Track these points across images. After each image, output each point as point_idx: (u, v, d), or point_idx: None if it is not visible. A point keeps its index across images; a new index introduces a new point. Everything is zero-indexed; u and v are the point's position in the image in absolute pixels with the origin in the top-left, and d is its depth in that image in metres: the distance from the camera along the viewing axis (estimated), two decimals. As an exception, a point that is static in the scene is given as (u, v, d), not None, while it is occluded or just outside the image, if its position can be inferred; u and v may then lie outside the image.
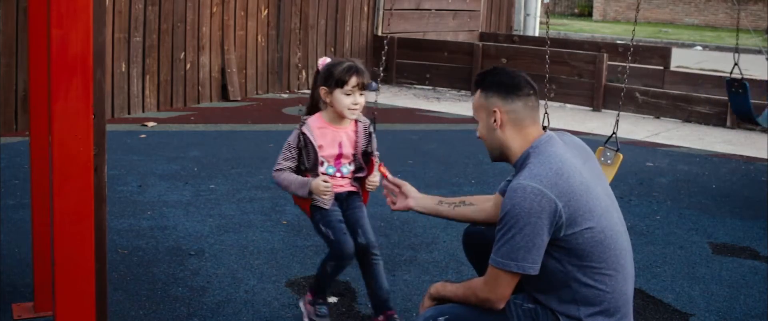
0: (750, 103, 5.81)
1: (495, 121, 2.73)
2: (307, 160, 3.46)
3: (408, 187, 3.28)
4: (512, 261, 2.55)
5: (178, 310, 3.77)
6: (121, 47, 8.23)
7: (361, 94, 3.44)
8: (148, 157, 6.60)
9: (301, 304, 3.67)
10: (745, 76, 6.08)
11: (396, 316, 3.52)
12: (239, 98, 9.58)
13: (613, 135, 4.43)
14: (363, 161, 3.58)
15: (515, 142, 2.74)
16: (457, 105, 10.13)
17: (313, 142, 3.45)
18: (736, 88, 5.81)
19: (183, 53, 8.92)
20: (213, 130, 7.86)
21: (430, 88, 11.33)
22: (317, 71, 3.54)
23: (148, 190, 5.65)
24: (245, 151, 6.95)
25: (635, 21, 4.85)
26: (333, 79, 3.40)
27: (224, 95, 9.47)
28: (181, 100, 8.99)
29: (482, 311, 2.68)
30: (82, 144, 2.66)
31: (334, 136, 3.49)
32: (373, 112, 3.61)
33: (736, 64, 5.74)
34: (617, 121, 4.62)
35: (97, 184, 2.81)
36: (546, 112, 4.38)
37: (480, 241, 3.09)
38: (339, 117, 3.48)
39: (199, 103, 9.18)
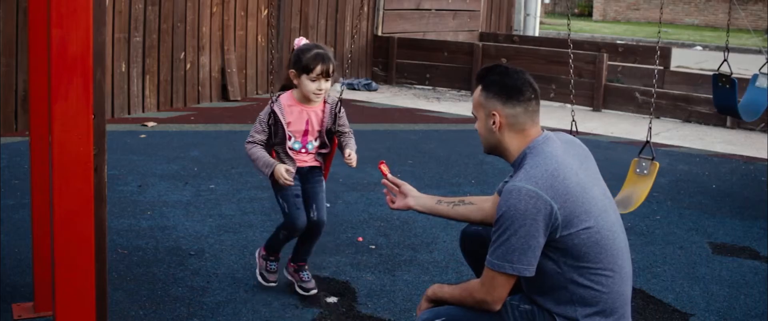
0: (736, 99, 5.81)
1: (494, 123, 2.72)
2: (275, 135, 3.76)
3: (407, 187, 3.28)
4: (508, 263, 2.54)
5: (178, 310, 3.77)
6: (121, 47, 8.23)
7: (326, 80, 3.70)
8: (148, 157, 6.60)
9: (256, 255, 4.05)
10: (742, 75, 6.08)
11: (306, 267, 3.98)
12: (239, 98, 9.58)
13: (647, 143, 4.34)
14: (327, 138, 3.85)
15: (513, 144, 2.73)
16: (457, 105, 10.13)
17: (282, 120, 3.73)
18: (724, 82, 5.81)
19: (183, 53, 8.92)
20: (213, 130, 7.86)
21: (430, 88, 11.33)
22: (292, 50, 3.79)
23: (148, 190, 5.65)
24: (245, 151, 6.95)
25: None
26: (300, 64, 3.67)
27: (224, 95, 9.47)
28: (181, 100, 8.99)
29: (479, 313, 2.67)
30: (82, 144, 2.66)
31: (301, 114, 3.77)
32: (340, 93, 3.94)
33: (725, 59, 5.75)
34: (650, 128, 4.50)
35: (97, 184, 2.81)
36: (573, 120, 4.36)
37: (477, 242, 3.09)
38: (307, 97, 3.74)
39: (199, 103, 9.18)
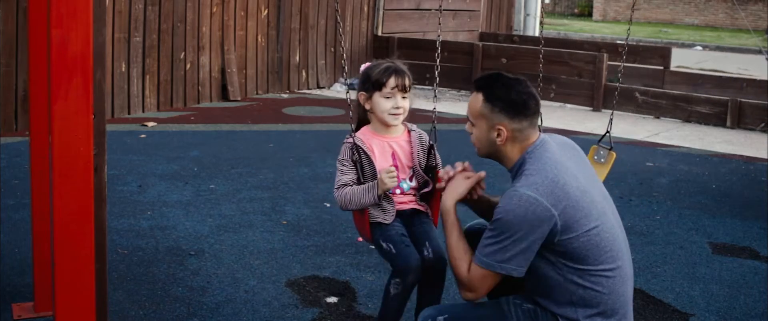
0: None
1: (498, 136, 2.71)
2: (362, 175, 3.16)
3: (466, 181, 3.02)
4: (498, 262, 2.58)
5: (178, 310, 3.77)
6: (121, 47, 8.23)
7: (404, 98, 3.21)
8: (148, 157, 6.60)
9: None
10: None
11: None
12: (239, 98, 9.58)
13: (607, 133, 4.44)
14: (426, 175, 3.25)
15: (512, 153, 2.74)
16: (457, 105, 10.13)
17: (367, 152, 3.17)
18: None
19: (183, 53, 8.92)
20: (213, 130, 7.86)
21: (430, 88, 11.33)
22: (357, 77, 3.34)
23: (148, 190, 5.65)
24: (245, 151, 6.95)
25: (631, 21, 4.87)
26: (370, 82, 3.19)
27: (224, 95, 9.47)
28: (181, 100, 8.99)
29: (480, 311, 2.68)
30: (82, 144, 2.66)
31: (384, 147, 3.22)
32: (432, 121, 3.37)
33: None
34: (611, 120, 4.62)
35: (97, 184, 2.81)
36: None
37: (479, 238, 3.09)
38: (385, 125, 3.22)
39: (199, 103, 9.18)
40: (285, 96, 10.08)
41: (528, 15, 14.83)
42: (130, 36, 8.29)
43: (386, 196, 3.15)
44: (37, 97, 3.46)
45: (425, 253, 3.10)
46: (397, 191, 3.21)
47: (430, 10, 12.37)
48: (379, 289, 4.11)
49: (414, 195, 3.25)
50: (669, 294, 4.22)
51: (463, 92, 11.04)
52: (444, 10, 12.69)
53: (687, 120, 9.49)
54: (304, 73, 10.61)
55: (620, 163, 6.47)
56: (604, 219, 2.64)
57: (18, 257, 4.28)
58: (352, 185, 3.15)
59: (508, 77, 2.76)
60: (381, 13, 11.66)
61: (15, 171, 5.89)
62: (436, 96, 3.50)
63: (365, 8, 11.46)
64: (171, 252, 4.49)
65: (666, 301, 4.13)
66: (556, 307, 2.65)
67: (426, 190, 3.26)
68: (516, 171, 2.70)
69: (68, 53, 2.60)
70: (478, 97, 2.73)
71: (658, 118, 9.66)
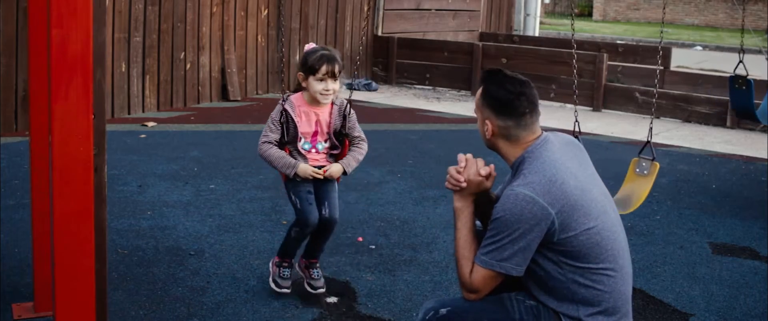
0: (752, 100, 5.83)
1: (486, 129, 2.74)
2: (287, 134, 3.82)
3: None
4: (497, 262, 2.59)
5: (178, 310, 3.77)
6: (121, 47, 8.23)
7: (334, 81, 3.77)
8: (148, 157, 6.60)
9: (270, 265, 4.04)
10: (749, 76, 6.09)
11: (318, 265, 3.98)
12: (239, 98, 9.58)
13: (648, 143, 4.31)
14: (337, 140, 3.90)
15: (508, 151, 2.75)
16: (457, 105, 10.13)
17: (294, 119, 3.80)
18: (740, 84, 5.83)
19: (183, 53, 8.92)
20: (213, 130, 7.86)
21: (430, 88, 11.33)
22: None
23: (148, 190, 5.65)
24: (245, 151, 6.95)
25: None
26: (306, 66, 3.76)
27: (224, 95, 9.47)
28: (181, 100, 8.99)
29: (483, 305, 2.69)
30: (82, 144, 2.66)
31: (310, 116, 3.83)
32: (350, 95, 3.98)
33: (740, 61, 5.75)
34: (651, 129, 4.48)
35: (97, 184, 2.81)
36: (576, 120, 4.28)
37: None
38: (315, 99, 3.81)
39: (199, 103, 9.18)
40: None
41: (528, 15, 14.84)
42: (130, 36, 8.29)
43: (301, 154, 3.83)
44: (37, 97, 3.46)
45: (323, 211, 3.82)
46: (313, 151, 3.87)
47: (430, 10, 12.38)
48: (380, 289, 4.11)
49: (326, 155, 3.91)
50: (669, 294, 4.22)
51: (463, 92, 11.04)
52: (444, 10, 12.69)
53: (687, 120, 9.49)
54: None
55: (620, 164, 6.47)
56: (605, 218, 2.65)
57: (18, 257, 4.28)
58: (275, 145, 3.81)
59: (505, 75, 2.76)
60: (381, 13, 11.66)
61: (15, 171, 5.89)
62: (352, 75, 4.01)
63: (365, 8, 11.46)
64: (171, 252, 4.49)
65: (666, 301, 4.13)
66: (558, 305, 2.66)
67: (336, 151, 3.94)
68: (515, 170, 2.71)
69: (68, 53, 2.60)
70: (480, 90, 2.80)
71: (658, 118, 9.66)
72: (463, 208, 2.75)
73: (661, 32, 5.08)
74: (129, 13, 8.24)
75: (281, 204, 5.44)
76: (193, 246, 4.60)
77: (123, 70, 8.28)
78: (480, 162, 2.77)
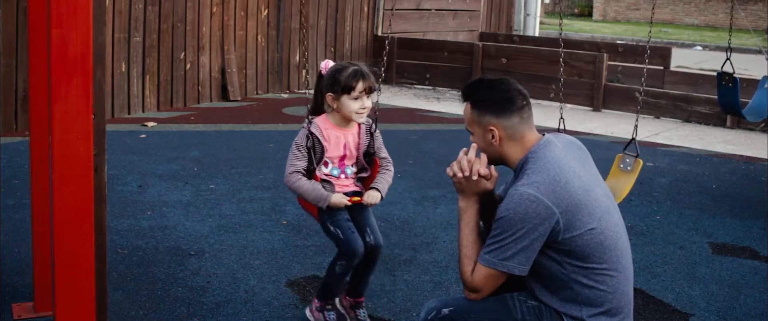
0: (738, 97, 5.87)
1: (493, 137, 2.72)
2: (314, 159, 3.48)
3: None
4: (500, 261, 2.59)
5: (178, 310, 3.77)
6: (121, 47, 8.23)
7: (369, 97, 3.47)
8: (148, 157, 6.60)
9: (308, 313, 3.66)
10: (743, 75, 6.11)
11: (364, 304, 3.68)
12: (239, 98, 9.58)
13: (632, 140, 4.38)
14: (365, 162, 3.60)
15: (513, 152, 2.74)
16: (457, 105, 10.13)
17: (323, 143, 3.47)
18: (727, 81, 5.87)
19: (183, 53, 8.92)
20: (213, 130, 7.86)
21: (430, 88, 11.33)
22: (320, 74, 3.56)
23: (148, 190, 5.65)
24: (245, 151, 6.95)
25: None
26: (339, 85, 3.42)
27: (224, 95, 9.47)
28: (181, 100, 8.99)
29: (485, 304, 2.69)
30: (82, 144, 2.66)
31: (339, 138, 3.52)
32: (374, 113, 3.61)
33: (728, 58, 5.77)
34: (636, 126, 4.55)
35: (97, 184, 2.81)
36: (561, 117, 4.35)
37: None
38: (345, 120, 3.51)
39: (199, 103, 9.18)
40: (285, 96, 10.08)
41: (528, 15, 14.83)
42: (130, 36, 8.29)
43: (331, 182, 3.52)
44: (37, 97, 3.46)
45: (368, 239, 3.49)
46: (342, 176, 3.56)
47: (430, 10, 12.37)
48: (379, 289, 4.11)
49: (354, 179, 3.60)
50: (669, 294, 4.22)
51: (463, 92, 11.03)
52: (444, 10, 12.69)
53: (687, 120, 9.49)
54: (304, 73, 10.61)
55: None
56: (608, 218, 2.66)
57: (18, 257, 4.28)
58: (304, 174, 3.46)
59: (489, 79, 2.80)
60: (381, 13, 11.65)
61: (15, 171, 5.90)
62: (379, 90, 3.68)
63: (365, 8, 11.46)
64: (171, 252, 4.49)
65: (666, 301, 4.13)
66: (561, 305, 2.67)
67: (364, 174, 3.63)
68: (519, 170, 2.71)
69: (68, 53, 2.60)
70: (467, 106, 2.78)
71: (658, 118, 9.66)
72: (467, 208, 2.75)
73: (650, 32, 5.19)
74: (129, 13, 8.24)
75: (281, 204, 5.44)
76: (193, 246, 4.60)
77: (123, 70, 8.28)
78: (480, 162, 2.76)
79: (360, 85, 3.41)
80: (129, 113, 8.38)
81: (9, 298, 3.76)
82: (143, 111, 8.54)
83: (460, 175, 2.75)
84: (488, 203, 2.79)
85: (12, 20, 7.13)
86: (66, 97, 2.61)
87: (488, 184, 2.76)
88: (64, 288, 2.74)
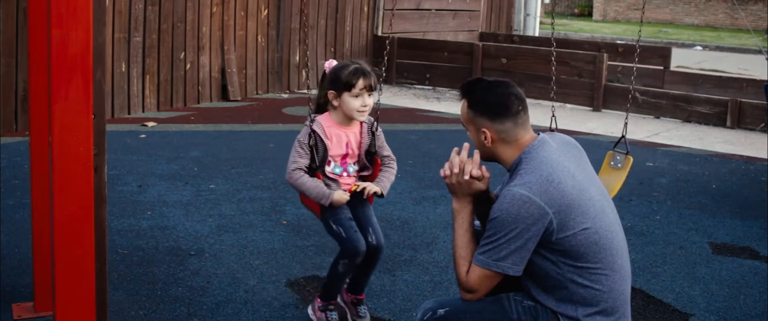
0: None
1: (485, 138, 2.74)
2: (316, 158, 3.49)
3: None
4: (494, 261, 2.59)
5: (178, 310, 3.77)
6: (121, 47, 8.23)
7: (370, 95, 3.50)
8: (148, 157, 6.60)
9: (310, 312, 3.67)
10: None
11: (365, 301, 3.71)
12: (239, 98, 9.58)
13: (622, 138, 4.40)
14: (367, 160, 3.63)
15: (506, 153, 2.74)
16: (457, 105, 10.05)
17: (325, 141, 3.50)
18: None
19: (183, 53, 8.92)
20: (213, 130, 7.86)
21: (430, 88, 11.33)
22: (324, 73, 3.59)
23: (148, 190, 5.65)
24: (245, 151, 6.95)
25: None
26: (340, 82, 3.45)
27: (224, 95, 9.47)
28: (181, 100, 8.99)
29: (481, 305, 2.69)
30: (82, 144, 2.66)
31: (341, 137, 3.54)
32: (375, 112, 3.63)
33: None
34: (626, 123, 4.58)
35: (97, 184, 2.81)
36: (553, 115, 4.36)
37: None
38: (347, 118, 3.53)
39: (199, 103, 9.18)
40: (285, 96, 10.08)
41: (528, 15, 14.83)
42: (130, 36, 8.29)
43: (334, 180, 3.53)
44: (37, 97, 3.46)
45: (370, 238, 3.51)
46: (344, 174, 3.57)
47: (430, 10, 12.37)
48: (379, 289, 4.11)
49: (356, 178, 3.62)
50: (669, 294, 4.22)
51: (463, 92, 11.03)
52: (444, 10, 12.69)
53: (687, 120, 9.49)
54: (304, 73, 10.61)
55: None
56: (603, 217, 2.65)
57: (18, 257, 4.28)
58: (306, 171, 3.47)
59: (488, 81, 2.79)
60: (381, 13, 11.65)
61: (15, 171, 5.90)
62: (380, 90, 3.67)
63: (365, 8, 11.46)
64: (171, 252, 4.49)
65: (666, 301, 4.13)
66: (556, 304, 2.67)
67: (365, 173, 3.64)
68: (513, 170, 2.71)
69: (68, 53, 2.60)
70: (464, 104, 2.80)
71: (658, 118, 9.66)
72: (461, 209, 2.75)
73: (639, 31, 5.20)
74: (129, 13, 8.24)
75: (281, 204, 5.44)
76: (193, 246, 4.60)
77: (123, 70, 8.28)
78: (472, 163, 2.76)
79: (361, 83, 3.44)
80: (129, 113, 8.38)
81: (9, 298, 3.76)
82: (143, 111, 8.54)
83: (449, 173, 2.75)
84: (485, 203, 2.79)
85: (12, 20, 7.13)
86: (66, 97, 2.62)
87: (480, 185, 2.76)
88: (64, 288, 2.74)
